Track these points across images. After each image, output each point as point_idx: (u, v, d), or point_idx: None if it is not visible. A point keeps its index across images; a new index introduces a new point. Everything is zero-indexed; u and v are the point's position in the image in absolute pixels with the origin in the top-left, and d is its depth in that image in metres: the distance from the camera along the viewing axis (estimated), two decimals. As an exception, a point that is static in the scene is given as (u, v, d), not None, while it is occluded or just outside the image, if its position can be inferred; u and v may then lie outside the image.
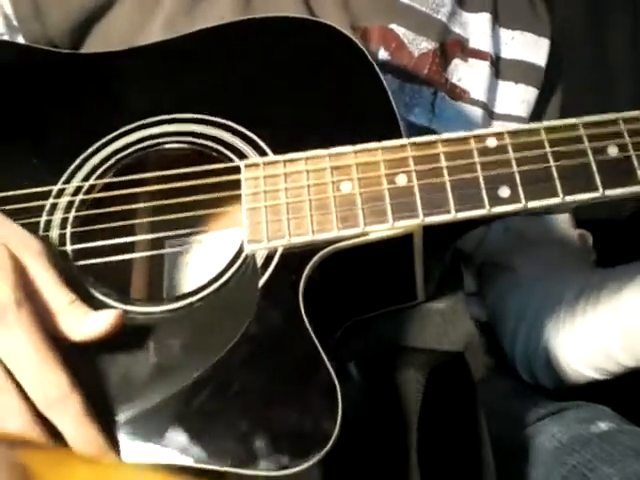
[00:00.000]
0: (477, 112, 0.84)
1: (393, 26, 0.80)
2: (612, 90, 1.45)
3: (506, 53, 0.88)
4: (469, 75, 0.84)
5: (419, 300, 0.69)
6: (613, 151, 0.58)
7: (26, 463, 0.50)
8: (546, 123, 0.60)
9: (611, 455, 0.71)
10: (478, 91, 0.84)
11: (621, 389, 0.83)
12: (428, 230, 0.61)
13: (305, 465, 0.51)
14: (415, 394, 0.64)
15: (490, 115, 0.86)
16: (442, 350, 0.71)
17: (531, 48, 0.88)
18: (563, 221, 0.90)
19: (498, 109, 0.87)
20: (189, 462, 0.52)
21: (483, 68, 0.85)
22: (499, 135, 0.60)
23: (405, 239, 0.60)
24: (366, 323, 0.67)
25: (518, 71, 0.87)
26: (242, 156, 0.64)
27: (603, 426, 0.76)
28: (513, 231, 0.88)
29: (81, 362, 0.54)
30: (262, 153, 0.64)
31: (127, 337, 0.57)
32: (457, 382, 0.69)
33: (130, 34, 0.76)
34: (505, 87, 0.87)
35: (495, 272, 0.92)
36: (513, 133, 0.60)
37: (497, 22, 0.88)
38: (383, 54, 0.80)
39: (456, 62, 0.84)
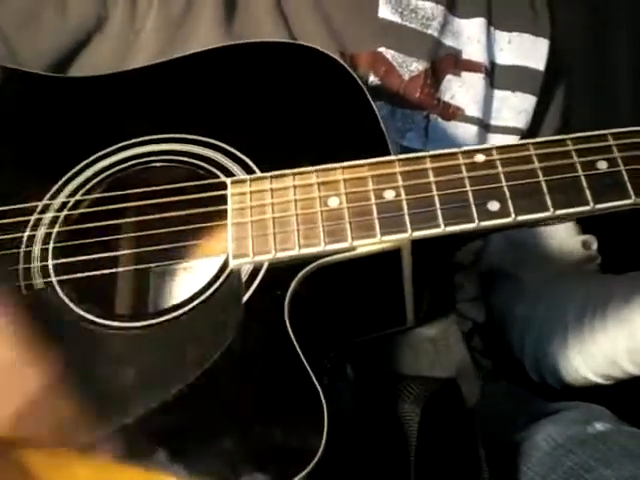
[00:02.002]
0: (472, 129, 0.83)
1: (382, 49, 0.80)
2: (613, 92, 1.45)
3: (502, 59, 0.86)
4: (463, 91, 0.83)
5: (409, 324, 0.68)
6: (602, 166, 0.58)
7: (26, 463, 0.49)
8: (534, 139, 0.60)
9: (608, 456, 0.70)
10: (472, 107, 0.83)
11: (619, 390, 0.83)
12: (417, 247, 0.60)
13: None
14: (411, 428, 0.63)
15: (486, 129, 0.84)
16: (435, 377, 0.69)
17: (529, 51, 0.86)
18: (566, 230, 0.89)
19: (494, 121, 0.85)
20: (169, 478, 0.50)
21: (477, 81, 0.83)
22: (487, 151, 0.60)
23: (393, 255, 0.59)
24: (359, 349, 0.66)
25: (515, 78, 0.85)
26: (230, 174, 0.63)
27: (599, 427, 0.74)
28: (515, 242, 0.88)
29: (60, 375, 0.53)
30: (250, 172, 0.63)
31: (108, 352, 0.55)
32: (451, 409, 0.68)
33: (112, 67, 0.74)
34: (501, 97, 0.85)
35: (499, 281, 0.91)
36: (501, 148, 0.59)
37: (492, 25, 0.85)
38: (373, 79, 0.79)
39: (449, 78, 0.83)
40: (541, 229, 0.87)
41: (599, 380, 0.81)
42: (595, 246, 0.90)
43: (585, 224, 0.90)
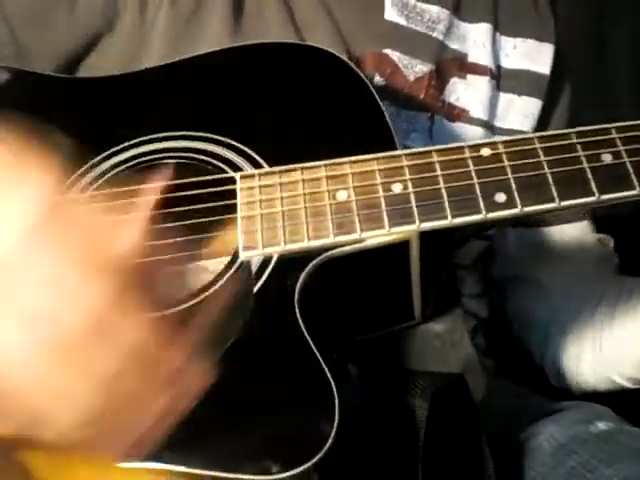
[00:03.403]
0: (477, 131, 0.83)
1: (387, 51, 0.80)
2: (613, 93, 1.45)
3: (507, 63, 0.86)
4: (468, 93, 0.84)
5: (416, 320, 0.68)
6: (607, 158, 0.59)
7: (27, 463, 0.49)
8: (539, 133, 0.61)
9: (610, 456, 0.70)
10: (478, 109, 0.84)
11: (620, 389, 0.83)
12: (425, 240, 0.61)
13: (297, 470, 0.49)
14: (419, 421, 0.63)
15: (491, 131, 0.85)
16: (442, 373, 0.70)
17: (534, 56, 0.86)
18: (582, 229, 0.89)
19: (500, 123, 0.86)
20: (181, 467, 0.50)
21: (483, 84, 0.84)
22: (493, 145, 0.61)
23: (401, 247, 0.60)
24: (364, 348, 0.67)
25: (521, 82, 0.86)
26: (239, 170, 0.64)
27: (602, 426, 0.75)
28: (531, 244, 0.88)
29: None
30: (258, 167, 0.64)
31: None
32: (458, 404, 0.68)
33: (121, 67, 0.75)
34: (507, 100, 0.86)
35: (516, 286, 0.91)
36: (507, 142, 0.60)
37: (498, 31, 0.86)
38: (378, 80, 0.80)
39: (454, 80, 0.83)
40: (555, 230, 0.88)
41: (625, 383, 0.81)
42: (612, 244, 0.91)
43: (598, 225, 0.91)
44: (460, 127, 0.84)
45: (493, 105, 0.85)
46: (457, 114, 0.84)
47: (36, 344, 0.43)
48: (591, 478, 0.69)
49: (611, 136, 0.60)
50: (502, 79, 0.86)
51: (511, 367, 0.92)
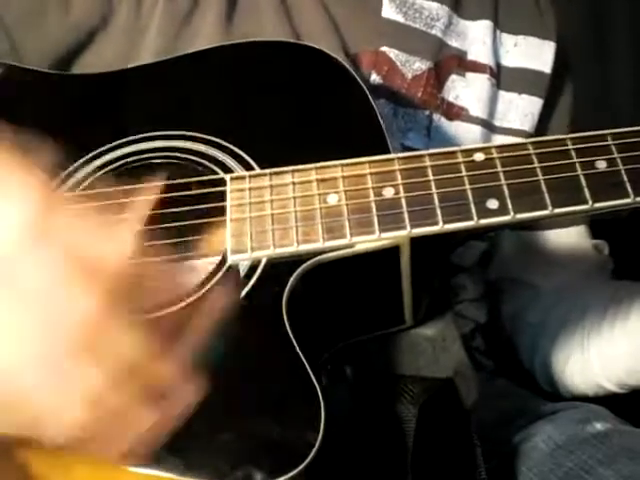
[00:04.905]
0: (476, 130, 0.83)
1: (384, 49, 0.79)
2: (614, 93, 1.45)
3: (508, 61, 0.86)
4: (467, 91, 0.83)
5: (407, 324, 0.68)
6: (601, 165, 0.58)
7: (27, 463, 0.49)
8: (534, 138, 0.60)
9: (607, 456, 0.69)
10: (477, 107, 0.83)
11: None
12: (416, 245, 0.60)
13: (282, 479, 0.49)
14: (408, 428, 0.63)
15: (491, 130, 0.84)
16: (433, 378, 0.69)
17: (535, 54, 0.86)
18: (578, 233, 0.89)
19: (500, 122, 0.85)
20: (166, 474, 0.50)
21: (482, 82, 0.83)
22: (486, 150, 0.60)
23: (392, 253, 0.59)
24: (358, 351, 0.66)
25: (521, 80, 0.85)
26: (229, 171, 0.63)
27: (599, 426, 0.74)
28: (527, 248, 0.88)
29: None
30: (249, 168, 0.63)
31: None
32: (448, 410, 0.67)
33: (116, 64, 0.74)
34: (508, 99, 0.85)
35: (512, 287, 0.91)
36: (500, 147, 0.60)
37: (498, 28, 0.85)
38: (375, 78, 0.79)
39: (453, 78, 0.83)
40: (552, 234, 0.87)
41: (613, 388, 0.81)
42: (607, 251, 0.90)
43: (596, 227, 0.90)
44: (459, 126, 0.83)
45: (492, 103, 0.85)
46: (456, 112, 0.83)
47: (32, 352, 0.44)
48: (588, 479, 0.69)
49: (607, 143, 0.59)
50: (502, 77, 0.86)
51: (510, 368, 0.92)
